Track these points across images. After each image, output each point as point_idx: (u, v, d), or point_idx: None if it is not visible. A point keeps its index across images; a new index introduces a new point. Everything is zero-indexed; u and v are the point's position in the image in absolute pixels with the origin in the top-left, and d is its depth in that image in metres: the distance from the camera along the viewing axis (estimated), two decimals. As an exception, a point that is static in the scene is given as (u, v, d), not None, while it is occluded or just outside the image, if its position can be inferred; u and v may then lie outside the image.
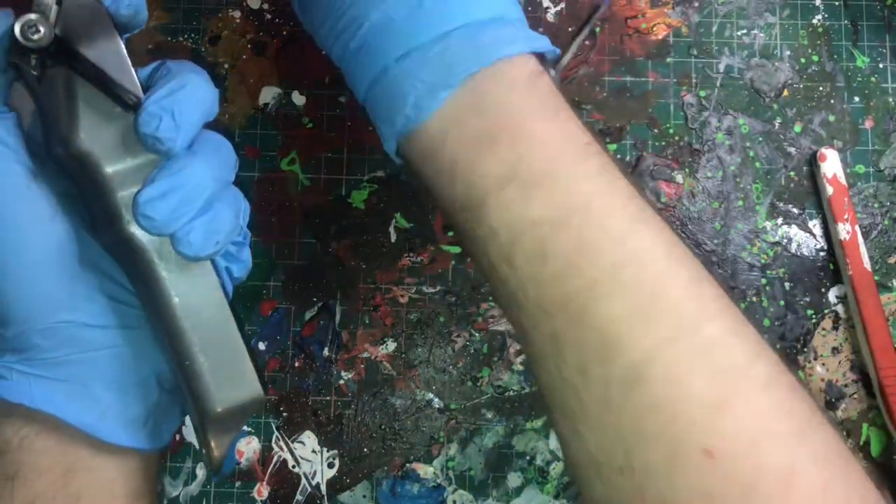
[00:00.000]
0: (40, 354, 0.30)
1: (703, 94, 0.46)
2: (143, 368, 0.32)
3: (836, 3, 0.47)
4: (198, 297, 0.32)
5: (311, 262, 0.45)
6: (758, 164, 0.46)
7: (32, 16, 0.28)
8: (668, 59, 0.47)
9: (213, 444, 0.31)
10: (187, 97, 0.29)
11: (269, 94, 0.47)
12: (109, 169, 0.30)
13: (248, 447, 0.44)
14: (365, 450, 0.44)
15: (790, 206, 0.45)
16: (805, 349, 0.44)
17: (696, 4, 0.47)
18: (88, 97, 0.30)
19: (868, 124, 0.46)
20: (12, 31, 0.28)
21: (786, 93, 0.46)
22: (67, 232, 0.31)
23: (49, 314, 0.30)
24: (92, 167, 0.30)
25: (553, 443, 0.44)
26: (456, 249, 0.45)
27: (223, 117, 0.46)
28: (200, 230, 0.29)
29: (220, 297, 0.33)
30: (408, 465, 0.44)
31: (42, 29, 0.28)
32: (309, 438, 0.44)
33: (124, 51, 0.30)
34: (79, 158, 0.30)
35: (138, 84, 0.30)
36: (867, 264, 0.43)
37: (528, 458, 0.44)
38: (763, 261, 0.45)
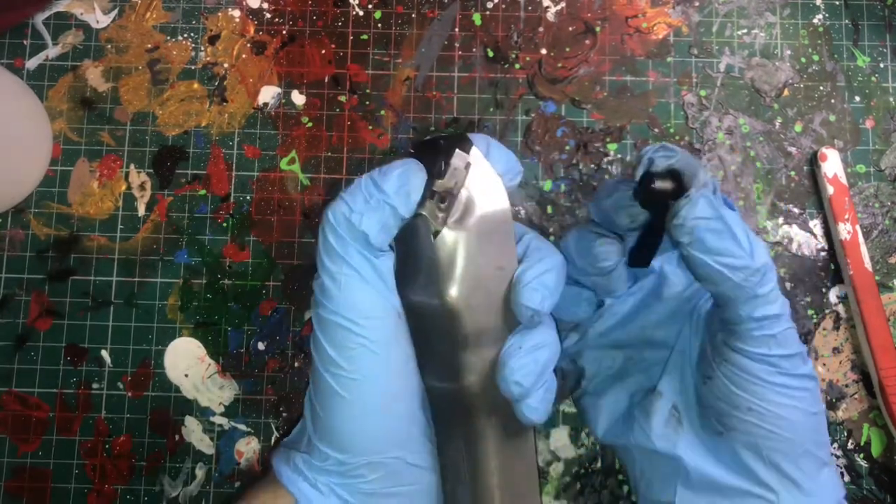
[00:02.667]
0: (362, 483, 0.32)
1: (703, 93, 0.46)
2: None
3: (837, 3, 0.47)
4: (512, 460, 0.34)
5: (310, 261, 0.45)
6: (758, 164, 0.46)
7: (447, 184, 0.32)
8: (669, 59, 0.47)
9: None
10: (557, 278, 0.32)
11: (268, 94, 0.47)
12: (472, 327, 0.33)
13: (248, 447, 0.44)
14: (365, 450, 0.44)
15: (791, 205, 0.45)
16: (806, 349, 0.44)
17: (697, 4, 0.47)
18: (470, 258, 0.32)
19: (869, 124, 0.46)
20: (432, 187, 0.32)
21: (786, 92, 0.46)
22: (417, 374, 0.34)
23: (385, 448, 0.32)
24: (455, 321, 0.33)
25: (553, 442, 0.43)
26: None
27: (222, 118, 0.46)
28: (543, 396, 0.32)
29: (532, 461, 0.35)
30: (408, 465, 0.43)
31: (456, 194, 0.32)
32: (309, 439, 0.44)
33: (511, 220, 0.33)
34: (448, 312, 0.33)
35: (515, 253, 0.33)
36: (868, 264, 0.43)
37: (528, 458, 0.43)
38: (764, 261, 0.45)
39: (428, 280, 0.33)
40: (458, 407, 0.34)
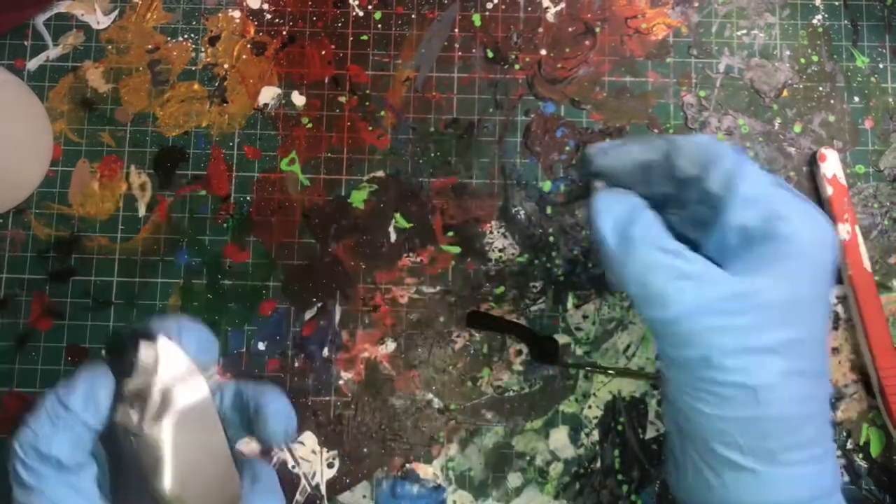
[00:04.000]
0: None
1: (702, 94, 0.46)
2: None
3: (836, 3, 0.47)
4: None
5: (310, 262, 0.45)
6: (758, 165, 0.46)
7: (138, 381, 0.31)
8: (668, 60, 0.47)
9: None
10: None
11: (268, 95, 0.47)
12: None
13: (248, 447, 0.44)
14: (365, 450, 0.44)
15: (790, 206, 0.45)
16: (805, 349, 0.44)
17: (696, 4, 0.47)
18: (178, 449, 0.32)
19: (868, 124, 0.46)
20: (120, 388, 0.31)
21: (785, 93, 0.46)
22: None
23: None
24: None
25: (553, 443, 0.44)
26: (456, 249, 0.45)
27: (222, 118, 0.47)
28: None
29: None
30: (408, 465, 0.44)
31: (148, 389, 0.31)
32: (309, 439, 0.44)
33: (211, 401, 0.33)
34: None
35: (223, 434, 0.33)
36: (867, 265, 0.43)
37: (527, 458, 0.44)
38: (763, 261, 0.45)
39: (140, 483, 0.32)
40: None
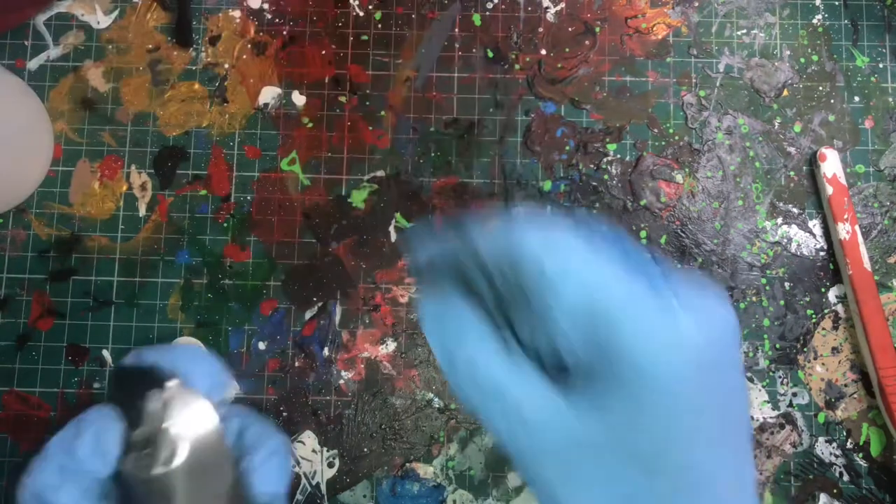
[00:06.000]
0: None
1: (702, 93, 0.46)
2: None
3: (836, 3, 0.47)
4: None
5: (311, 262, 0.45)
6: (757, 164, 0.46)
7: (146, 429, 0.31)
8: (668, 59, 0.47)
9: None
10: (281, 460, 0.33)
11: (269, 94, 0.47)
12: None
13: (249, 447, 0.44)
14: (365, 449, 0.44)
15: (790, 205, 0.45)
16: (805, 349, 0.44)
17: (696, 4, 0.47)
18: (190, 492, 0.32)
19: (868, 124, 0.46)
20: (129, 439, 0.31)
21: (786, 92, 0.46)
22: None
23: None
24: None
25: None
26: (456, 249, 0.45)
27: (223, 118, 0.47)
28: None
29: None
30: (408, 464, 0.44)
31: (157, 445, 0.31)
32: (309, 438, 0.44)
33: (223, 441, 0.33)
34: None
35: (236, 473, 0.33)
36: (867, 264, 0.43)
37: (528, 457, 0.44)
38: (763, 260, 0.45)
39: None
40: None
